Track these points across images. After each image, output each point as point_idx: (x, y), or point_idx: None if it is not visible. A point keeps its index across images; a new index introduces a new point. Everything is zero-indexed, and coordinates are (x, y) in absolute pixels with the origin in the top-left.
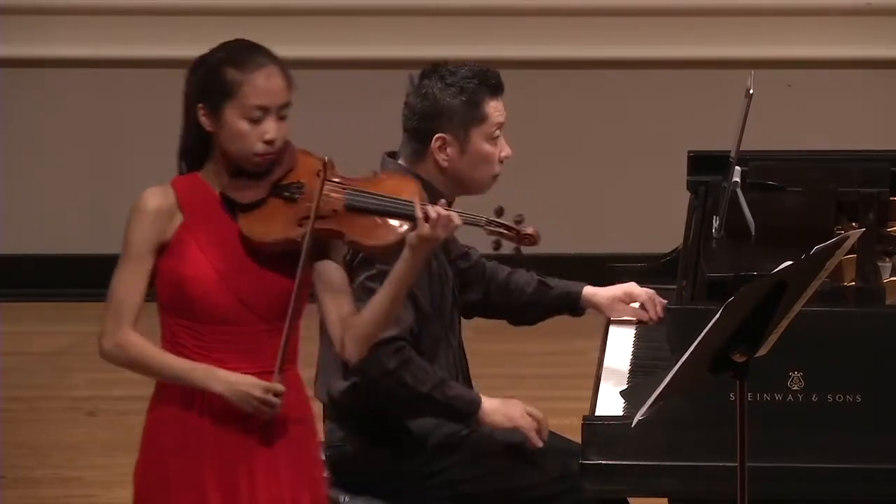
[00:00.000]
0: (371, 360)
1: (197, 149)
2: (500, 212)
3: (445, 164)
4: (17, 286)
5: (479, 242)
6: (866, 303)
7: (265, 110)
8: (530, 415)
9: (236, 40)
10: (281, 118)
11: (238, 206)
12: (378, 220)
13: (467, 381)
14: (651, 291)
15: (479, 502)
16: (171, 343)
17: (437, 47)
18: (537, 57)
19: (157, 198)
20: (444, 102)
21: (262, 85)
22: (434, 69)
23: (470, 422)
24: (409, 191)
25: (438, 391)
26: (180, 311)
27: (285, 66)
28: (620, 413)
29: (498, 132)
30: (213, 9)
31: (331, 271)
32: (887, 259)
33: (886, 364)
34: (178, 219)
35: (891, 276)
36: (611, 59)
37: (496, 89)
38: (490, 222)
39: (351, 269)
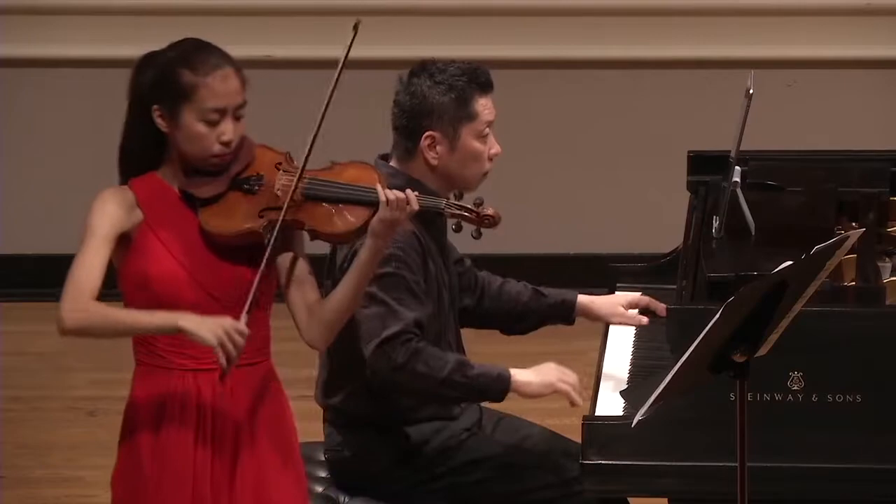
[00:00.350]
0: (378, 360)
1: (144, 149)
2: (459, 196)
3: (435, 161)
4: (17, 286)
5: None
6: (866, 303)
7: (222, 112)
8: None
9: (187, 40)
10: (237, 118)
11: (198, 200)
12: (337, 207)
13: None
14: (650, 299)
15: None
16: (142, 343)
17: (435, 47)
18: (537, 57)
19: (117, 193)
20: (434, 100)
21: (219, 88)
22: (423, 67)
23: (502, 398)
24: (368, 178)
25: (458, 374)
26: (150, 310)
27: (239, 65)
28: (620, 413)
29: (487, 130)
30: (213, 9)
31: (294, 261)
32: (887, 259)
33: (886, 364)
34: (138, 216)
35: (891, 276)
36: (611, 59)
37: (486, 87)
38: (449, 205)
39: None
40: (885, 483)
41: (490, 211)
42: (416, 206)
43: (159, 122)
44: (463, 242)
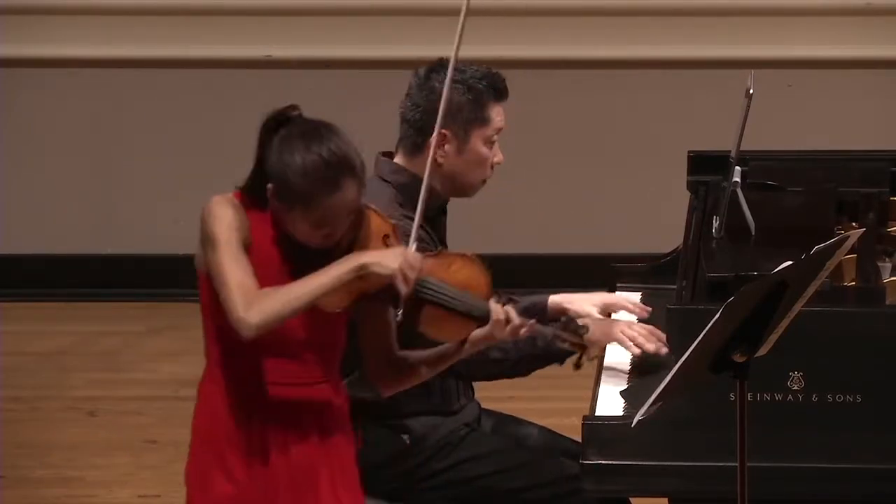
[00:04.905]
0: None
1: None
2: (566, 323)
3: (442, 160)
4: (17, 286)
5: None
6: (866, 303)
7: (332, 225)
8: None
9: (318, 130)
10: (349, 217)
11: (310, 253)
12: (445, 314)
13: (468, 382)
14: (633, 300)
15: (478, 502)
16: (215, 356)
17: (437, 47)
18: (537, 57)
19: (235, 204)
20: (451, 99)
21: (336, 205)
22: (441, 65)
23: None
24: (479, 286)
25: (531, 347)
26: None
27: (360, 164)
28: (620, 413)
29: (496, 137)
30: (213, 9)
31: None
32: (887, 259)
33: (886, 364)
34: (249, 233)
35: (891, 276)
36: (611, 59)
37: (502, 94)
38: (558, 335)
39: None
40: (885, 483)
41: (594, 338)
42: (527, 332)
43: (271, 199)
44: (461, 241)
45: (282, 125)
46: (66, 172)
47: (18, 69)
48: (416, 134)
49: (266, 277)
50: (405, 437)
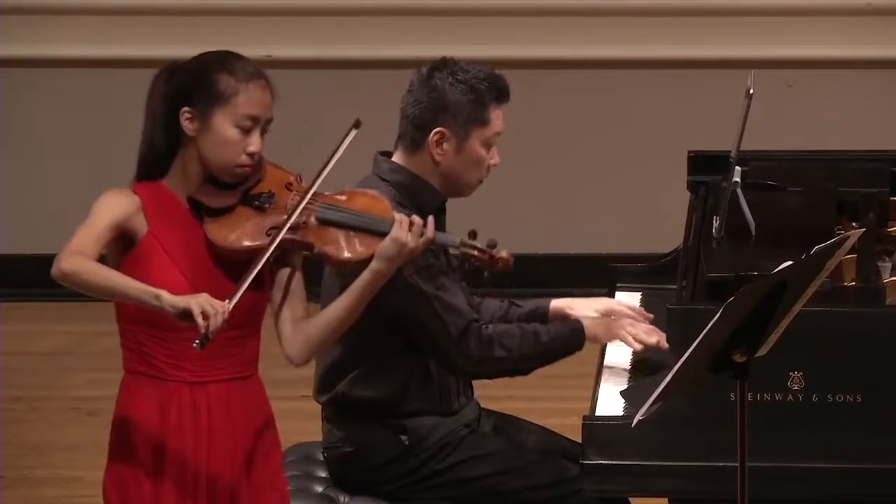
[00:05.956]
0: (457, 361)
1: (160, 157)
2: (473, 235)
3: (440, 158)
4: (17, 286)
5: None
6: (866, 303)
7: (255, 121)
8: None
9: (222, 50)
10: (263, 132)
11: (206, 209)
12: (350, 233)
13: (467, 382)
14: (634, 306)
15: (478, 502)
16: (137, 353)
17: (437, 47)
18: (537, 57)
19: (123, 194)
20: (452, 97)
21: (257, 96)
22: (445, 63)
23: (582, 348)
24: (380, 208)
25: (535, 345)
26: (148, 321)
27: (271, 81)
28: (620, 413)
29: (495, 139)
30: (212, 9)
31: (291, 275)
32: (887, 259)
33: (886, 364)
34: (141, 223)
35: (891, 276)
36: (611, 59)
37: (503, 97)
38: (465, 243)
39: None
40: (885, 483)
41: (504, 254)
42: (431, 235)
43: (186, 125)
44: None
45: (174, 74)
46: (66, 172)
47: (18, 69)
48: (415, 130)
49: (173, 250)
50: (404, 437)
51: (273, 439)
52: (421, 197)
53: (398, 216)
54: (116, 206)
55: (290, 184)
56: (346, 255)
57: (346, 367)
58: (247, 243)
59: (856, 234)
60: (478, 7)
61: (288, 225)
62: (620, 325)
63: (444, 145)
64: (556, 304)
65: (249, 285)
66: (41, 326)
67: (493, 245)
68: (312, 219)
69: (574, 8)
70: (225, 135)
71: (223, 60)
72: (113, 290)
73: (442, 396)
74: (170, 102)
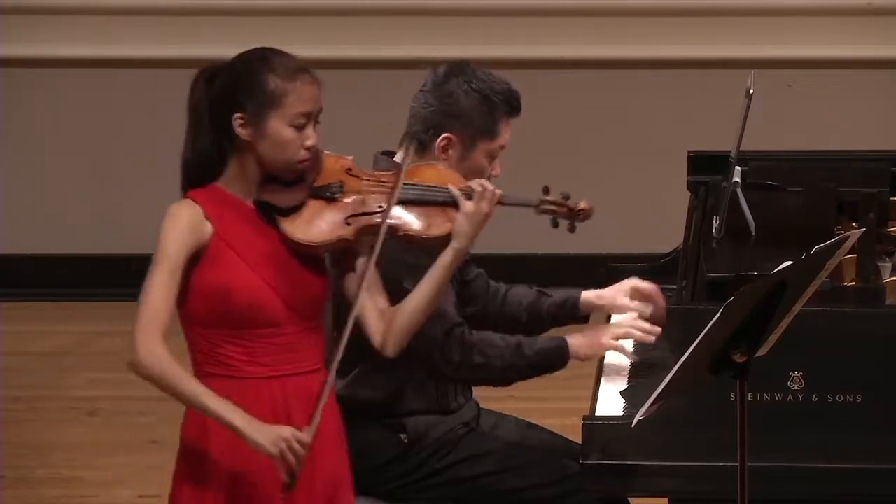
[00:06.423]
0: (436, 363)
1: (210, 162)
2: (546, 190)
3: (444, 163)
4: (17, 286)
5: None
6: (866, 303)
7: (308, 116)
8: (617, 337)
9: (260, 48)
10: (316, 123)
11: (279, 210)
12: (428, 210)
13: (467, 385)
14: (653, 286)
15: (478, 502)
16: (210, 356)
17: (437, 47)
18: (537, 57)
19: (187, 209)
20: (465, 105)
21: (306, 92)
22: (461, 69)
23: (565, 365)
24: (448, 178)
25: (517, 357)
26: (225, 323)
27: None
28: (620, 413)
29: (499, 152)
30: (213, 9)
31: (367, 267)
32: (887, 259)
33: (886, 364)
34: (208, 230)
35: (891, 276)
36: (611, 59)
37: (515, 112)
38: (544, 200)
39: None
40: (886, 483)
41: (583, 205)
42: (499, 192)
43: (241, 131)
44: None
45: (215, 76)
46: (66, 172)
47: (18, 69)
48: (423, 132)
49: (247, 253)
50: (403, 436)
51: (342, 427)
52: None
53: (476, 184)
54: (183, 229)
55: (350, 168)
56: (432, 233)
57: (344, 367)
58: (329, 237)
59: (856, 234)
60: (478, 7)
61: (389, 207)
62: (605, 337)
63: (450, 151)
64: (586, 295)
65: (315, 273)
66: (41, 326)
67: (567, 197)
68: (395, 201)
69: (574, 8)
70: (282, 136)
71: (266, 59)
72: (189, 402)
73: (440, 396)
74: (217, 107)
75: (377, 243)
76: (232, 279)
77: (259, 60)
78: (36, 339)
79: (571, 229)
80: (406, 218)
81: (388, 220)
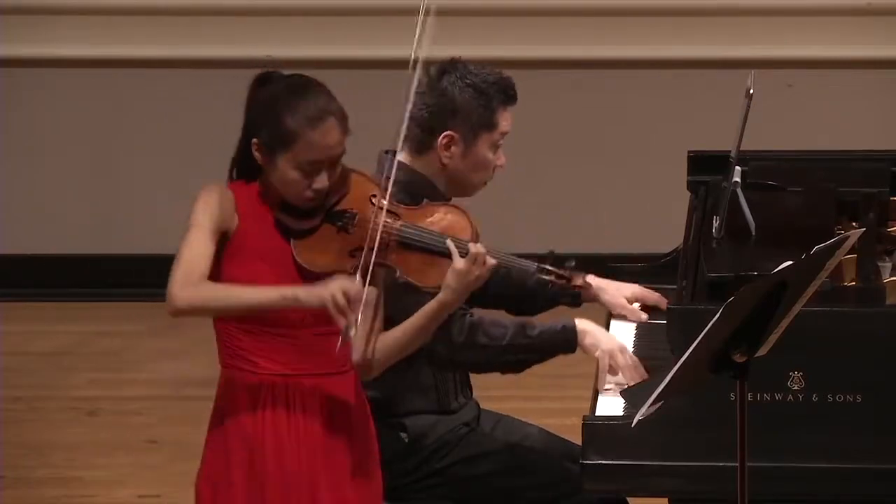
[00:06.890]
0: (437, 344)
1: (253, 161)
2: (550, 256)
3: (447, 161)
4: (17, 286)
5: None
6: (866, 303)
7: (318, 164)
8: (613, 355)
9: (298, 80)
10: (335, 164)
11: (292, 232)
12: (431, 258)
13: (466, 381)
14: (656, 294)
15: (478, 502)
16: (230, 349)
17: (437, 47)
18: (538, 57)
19: (224, 191)
20: (461, 102)
21: (319, 141)
22: (454, 66)
23: (573, 348)
24: (462, 229)
25: (521, 336)
26: (242, 318)
27: (343, 112)
28: (620, 413)
29: (501, 141)
30: (213, 9)
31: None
32: (887, 259)
33: (886, 364)
34: (235, 221)
35: (891, 276)
36: (611, 59)
37: (511, 99)
38: (542, 269)
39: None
40: (885, 483)
41: (580, 282)
42: (493, 262)
43: (256, 154)
44: None
45: (265, 83)
46: (66, 172)
47: (18, 69)
48: (423, 133)
49: (254, 249)
50: (403, 435)
51: (369, 432)
52: (425, 197)
53: (473, 249)
54: (216, 205)
55: (374, 195)
56: (428, 282)
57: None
58: (329, 268)
59: (856, 234)
60: (478, 7)
61: (373, 254)
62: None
63: (453, 148)
64: (591, 277)
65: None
66: (41, 326)
67: (570, 268)
68: (394, 241)
69: (575, 8)
70: (288, 176)
71: (293, 95)
72: (244, 306)
73: (440, 396)
74: (246, 121)
75: (364, 281)
76: (251, 277)
77: (287, 94)
78: (36, 339)
79: (571, 304)
80: (406, 262)
81: (387, 262)
